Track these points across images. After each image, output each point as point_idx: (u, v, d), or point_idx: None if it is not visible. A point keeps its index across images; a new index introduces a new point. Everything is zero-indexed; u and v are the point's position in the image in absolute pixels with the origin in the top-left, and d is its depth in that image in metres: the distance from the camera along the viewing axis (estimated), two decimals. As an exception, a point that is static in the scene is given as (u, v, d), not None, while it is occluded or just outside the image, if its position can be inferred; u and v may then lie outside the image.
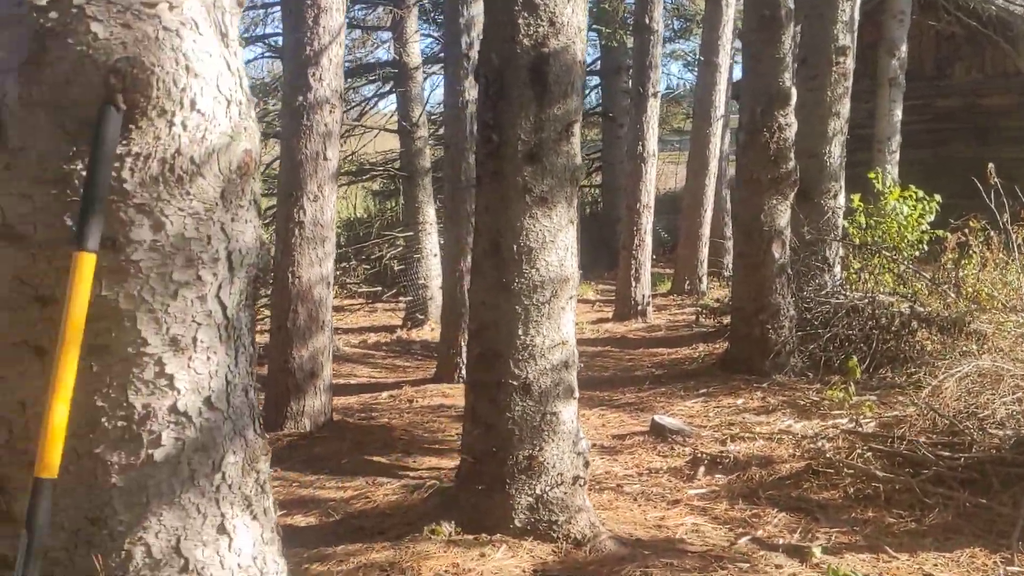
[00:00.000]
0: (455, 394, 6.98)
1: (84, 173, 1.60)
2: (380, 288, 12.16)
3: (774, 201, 6.93)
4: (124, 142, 1.60)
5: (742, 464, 4.82)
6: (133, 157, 1.62)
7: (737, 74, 14.59)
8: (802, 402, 6.11)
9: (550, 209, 3.50)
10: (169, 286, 1.68)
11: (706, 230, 12.14)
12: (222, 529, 1.76)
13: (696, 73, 13.52)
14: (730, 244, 13.98)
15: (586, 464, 3.68)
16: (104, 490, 1.68)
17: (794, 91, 6.88)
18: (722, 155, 12.88)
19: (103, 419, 1.67)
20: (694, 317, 9.98)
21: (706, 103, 11.80)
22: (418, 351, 9.39)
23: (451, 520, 3.64)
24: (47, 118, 1.59)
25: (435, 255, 10.66)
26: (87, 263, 1.55)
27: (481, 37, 3.73)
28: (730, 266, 13.98)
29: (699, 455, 4.99)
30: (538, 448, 3.55)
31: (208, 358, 1.74)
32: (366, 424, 6.16)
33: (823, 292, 7.97)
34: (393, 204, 14.63)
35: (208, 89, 1.67)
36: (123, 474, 1.68)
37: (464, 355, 7.19)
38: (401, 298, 11.43)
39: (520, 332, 3.53)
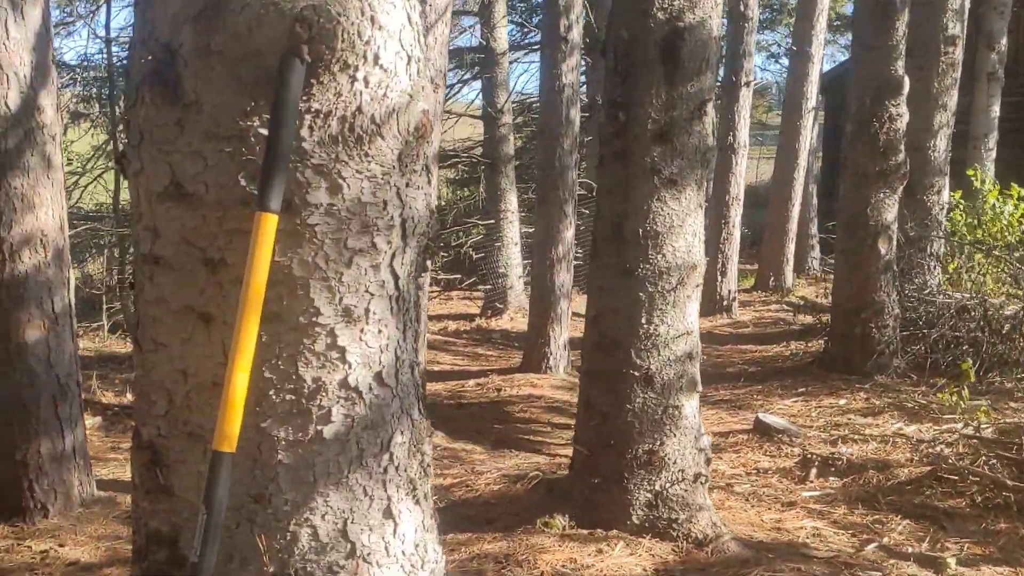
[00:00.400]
0: (543, 384, 6.88)
1: (261, 130, 1.50)
2: (458, 276, 12.10)
3: (881, 195, 6.65)
4: (304, 98, 1.50)
5: (856, 467, 4.60)
6: (312, 114, 1.51)
7: (825, 67, 14.15)
8: (909, 404, 5.85)
9: (679, 192, 3.34)
10: (344, 253, 1.57)
11: (793, 225, 11.80)
12: (388, 513, 1.66)
13: (783, 64, 13.14)
14: (815, 241, 13.62)
15: (707, 461, 3.52)
16: (270, 466, 1.58)
17: (907, 80, 6.57)
18: (811, 149, 12.49)
19: (271, 392, 1.57)
20: (787, 313, 9.69)
21: (797, 95, 11.45)
22: (499, 340, 9.30)
23: (564, 513, 3.52)
24: (224, 70, 1.50)
25: (516, 244, 10.54)
26: (269, 225, 1.46)
27: (610, 11, 3.57)
28: (815, 263, 13.63)
29: (809, 456, 4.79)
30: (659, 443, 3.40)
31: (379, 331, 1.63)
32: (457, 411, 6.08)
33: (926, 291, 7.66)
34: (469, 192, 14.57)
35: (391, 43, 1.56)
36: (290, 450, 1.58)
37: (552, 345, 7.08)
38: (479, 286, 11.35)
39: (643, 320, 3.38)
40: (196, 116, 1.53)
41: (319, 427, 1.59)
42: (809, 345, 8.29)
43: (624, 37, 3.33)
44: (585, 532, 3.45)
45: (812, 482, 4.49)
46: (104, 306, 8.32)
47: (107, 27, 7.57)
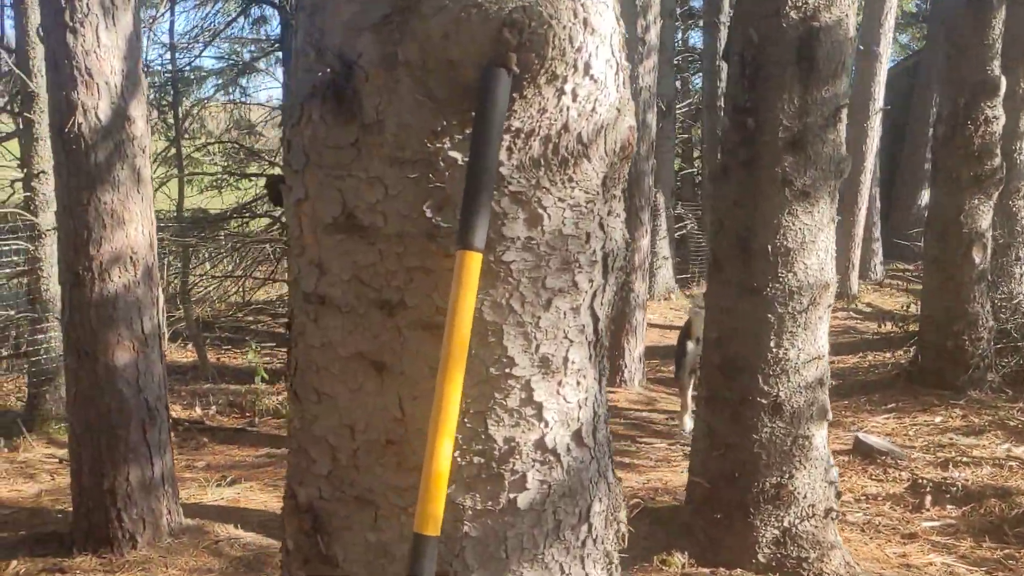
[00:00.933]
0: (619, 398, 6.63)
1: (452, 153, 1.30)
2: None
3: (975, 201, 6.32)
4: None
5: (975, 495, 4.30)
6: (512, 134, 1.30)
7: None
8: (1012, 423, 5.53)
9: (812, 205, 3.10)
10: (541, 294, 1.35)
11: (859, 230, 11.44)
12: (585, 593, 1.44)
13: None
14: (878, 245, 13.23)
15: (838, 495, 3.26)
16: (454, 540, 1.37)
17: (1004, 81, 6.23)
18: (876, 150, 12.09)
19: (456, 454, 1.36)
20: (856, 321, 9.36)
21: (864, 95, 11.07)
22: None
23: (682, 550, 3.28)
24: (412, 84, 1.29)
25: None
26: (474, 265, 1.24)
27: (732, 12, 3.32)
28: (878, 268, 13.24)
29: (919, 481, 4.50)
30: (787, 475, 3.16)
31: (578, 383, 1.41)
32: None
33: (1015, 300, 7.32)
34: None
35: (603, 50, 1.34)
36: (478, 521, 1.37)
37: (627, 357, 6.84)
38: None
39: (772, 344, 3.13)
40: (377, 137, 1.32)
41: (512, 495, 1.38)
42: (885, 356, 7.97)
43: (753, 39, 3.08)
44: (707, 571, 3.21)
45: (928, 510, 4.21)
46: (164, 314, 8.20)
47: (171, 32, 7.46)
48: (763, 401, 3.14)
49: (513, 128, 1.30)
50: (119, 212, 3.25)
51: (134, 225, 3.31)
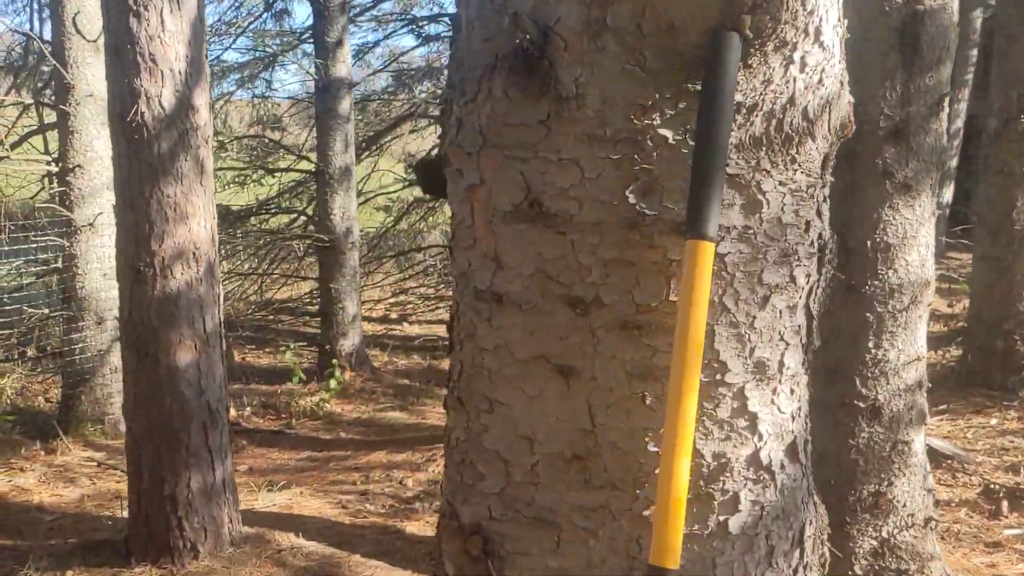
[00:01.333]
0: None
1: (662, 131, 1.15)
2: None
3: (1029, 197, 6.17)
4: (723, 87, 1.13)
5: (1053, 500, 4.16)
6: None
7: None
8: (1071, 426, 5.37)
9: (913, 199, 2.94)
10: (757, 290, 1.20)
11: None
12: (795, 629, 1.29)
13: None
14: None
15: (936, 503, 3.11)
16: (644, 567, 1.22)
17: (1058, 73, 6.08)
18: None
19: (655, 470, 1.21)
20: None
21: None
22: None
23: (773, 560, 3.12)
24: (620, 52, 1.14)
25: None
26: (707, 256, 1.09)
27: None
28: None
29: (992, 486, 4.35)
30: (886, 483, 3.00)
31: (792, 391, 1.26)
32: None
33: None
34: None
35: (832, 13, 1.19)
36: (683, 547, 1.21)
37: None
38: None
39: (870, 344, 2.98)
40: (574, 113, 1.16)
41: (722, 517, 1.22)
42: (931, 356, 7.81)
43: (852, 22, 2.92)
44: (800, 583, 3.05)
45: (1007, 517, 4.06)
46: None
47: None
48: (861, 405, 2.99)
49: (735, 102, 1.15)
50: (182, 205, 3.09)
51: (197, 219, 3.15)
